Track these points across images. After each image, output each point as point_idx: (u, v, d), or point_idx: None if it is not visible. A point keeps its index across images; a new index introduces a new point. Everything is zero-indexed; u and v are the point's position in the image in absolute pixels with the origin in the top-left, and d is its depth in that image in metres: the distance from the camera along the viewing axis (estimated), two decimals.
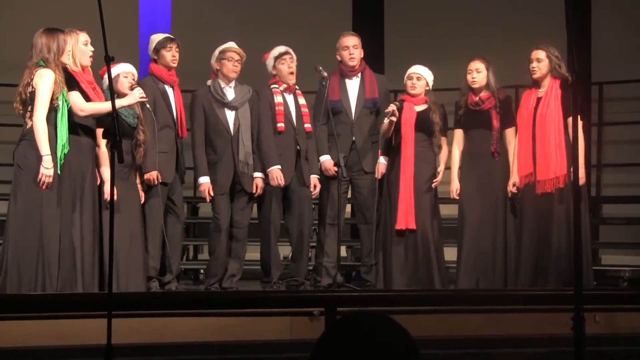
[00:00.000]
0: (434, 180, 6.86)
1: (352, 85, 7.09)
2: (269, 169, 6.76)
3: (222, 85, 6.75)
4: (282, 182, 6.74)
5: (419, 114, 6.88)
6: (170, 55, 6.61)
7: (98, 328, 4.11)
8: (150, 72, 6.68)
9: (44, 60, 5.74)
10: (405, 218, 6.78)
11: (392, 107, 6.75)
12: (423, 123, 6.86)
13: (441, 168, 6.90)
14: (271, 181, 6.75)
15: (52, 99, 5.68)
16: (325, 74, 6.83)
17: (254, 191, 6.76)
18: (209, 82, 6.79)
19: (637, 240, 8.95)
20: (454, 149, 6.89)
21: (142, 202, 6.41)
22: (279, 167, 6.76)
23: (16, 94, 5.76)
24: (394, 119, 6.75)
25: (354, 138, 7.01)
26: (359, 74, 7.10)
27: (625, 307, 5.63)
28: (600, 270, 8.44)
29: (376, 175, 6.99)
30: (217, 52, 6.79)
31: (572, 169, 6.34)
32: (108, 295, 4.12)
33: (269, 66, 6.93)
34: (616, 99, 9.59)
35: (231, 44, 6.80)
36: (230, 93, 6.76)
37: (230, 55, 6.74)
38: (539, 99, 6.59)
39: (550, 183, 6.48)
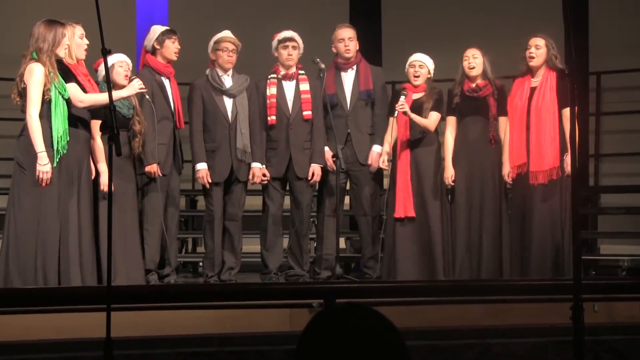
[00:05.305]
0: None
1: (348, 78, 7.05)
2: (252, 165, 6.76)
3: (220, 74, 6.73)
4: (258, 180, 6.74)
5: (415, 101, 6.85)
6: (175, 47, 6.60)
7: (97, 321, 4.10)
8: (146, 64, 6.64)
9: (38, 50, 5.68)
10: (404, 206, 6.77)
11: (402, 101, 6.71)
12: (418, 110, 6.82)
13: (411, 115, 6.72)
14: (254, 178, 6.75)
15: (43, 93, 5.64)
16: (322, 65, 6.82)
17: (250, 179, 6.75)
18: (208, 72, 6.77)
19: (635, 229, 8.96)
20: (447, 135, 6.85)
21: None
22: (260, 165, 6.75)
23: (14, 85, 5.73)
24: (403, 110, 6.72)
25: (349, 130, 6.99)
26: (354, 67, 7.07)
27: (624, 296, 5.63)
28: (599, 259, 8.45)
29: (369, 162, 6.97)
30: (212, 42, 6.77)
31: (565, 160, 6.37)
32: (107, 288, 4.11)
33: (273, 48, 6.91)
34: (614, 89, 9.58)
35: (225, 34, 6.77)
36: (228, 81, 6.74)
37: (224, 45, 6.71)
38: (532, 89, 6.59)
39: (544, 174, 6.49)
